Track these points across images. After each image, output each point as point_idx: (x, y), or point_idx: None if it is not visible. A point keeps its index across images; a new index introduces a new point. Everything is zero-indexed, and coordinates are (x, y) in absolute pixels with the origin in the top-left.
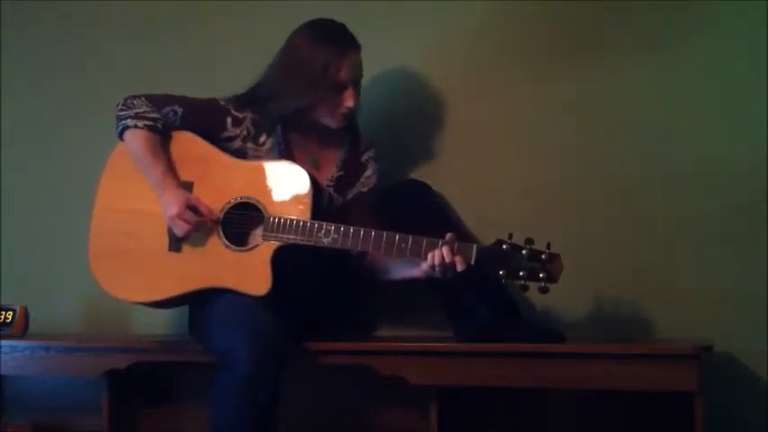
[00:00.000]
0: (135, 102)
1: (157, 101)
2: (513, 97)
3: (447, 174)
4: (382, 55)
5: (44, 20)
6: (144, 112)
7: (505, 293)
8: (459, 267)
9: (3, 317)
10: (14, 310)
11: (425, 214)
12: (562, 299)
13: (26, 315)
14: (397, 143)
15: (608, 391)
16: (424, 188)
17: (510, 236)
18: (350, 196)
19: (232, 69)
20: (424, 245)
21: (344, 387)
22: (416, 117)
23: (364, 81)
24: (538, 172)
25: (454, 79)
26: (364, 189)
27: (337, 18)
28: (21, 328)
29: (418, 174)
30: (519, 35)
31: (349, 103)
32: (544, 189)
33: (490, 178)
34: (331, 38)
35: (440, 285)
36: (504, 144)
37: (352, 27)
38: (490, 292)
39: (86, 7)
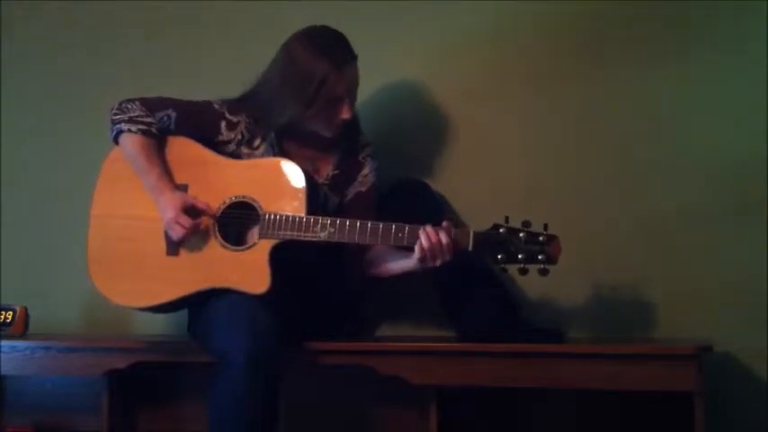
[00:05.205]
0: (130, 106)
1: (152, 105)
2: (514, 99)
3: (447, 173)
4: (383, 56)
5: (44, 19)
6: (138, 116)
7: (506, 293)
8: (448, 255)
9: (3, 317)
10: (14, 310)
11: (424, 213)
12: (562, 299)
13: (26, 315)
14: (396, 143)
15: (608, 391)
16: (423, 187)
17: (506, 219)
18: (349, 197)
19: (232, 70)
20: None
21: (344, 387)
22: (416, 117)
23: (365, 82)
24: (538, 172)
25: (455, 81)
26: (363, 189)
27: (337, 22)
28: (21, 328)
29: (418, 173)
30: (519, 39)
31: (345, 114)
32: (544, 189)
33: (490, 179)
34: (330, 51)
35: (440, 284)
36: (505, 145)
37: (353, 28)
38: (490, 292)
39: (87, 7)
